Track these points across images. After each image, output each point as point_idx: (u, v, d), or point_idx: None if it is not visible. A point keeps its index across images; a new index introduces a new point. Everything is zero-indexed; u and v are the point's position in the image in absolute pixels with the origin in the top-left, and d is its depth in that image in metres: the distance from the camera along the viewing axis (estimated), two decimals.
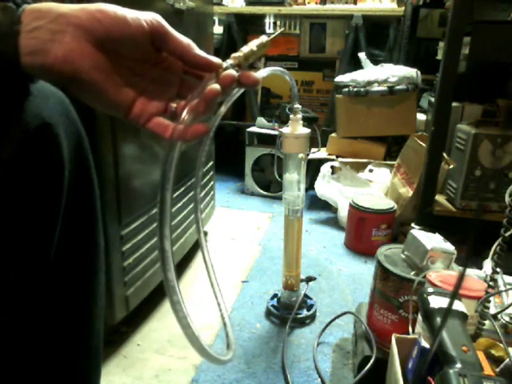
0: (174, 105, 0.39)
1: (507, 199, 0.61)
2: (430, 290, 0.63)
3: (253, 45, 0.41)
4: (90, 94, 0.36)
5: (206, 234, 1.64)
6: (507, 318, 0.68)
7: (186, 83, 0.40)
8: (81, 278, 0.48)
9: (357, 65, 2.00)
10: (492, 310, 0.68)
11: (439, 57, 1.65)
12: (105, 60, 0.35)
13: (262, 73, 0.63)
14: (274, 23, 2.53)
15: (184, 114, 0.36)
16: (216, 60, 0.38)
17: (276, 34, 0.45)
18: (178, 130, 0.36)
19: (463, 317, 0.59)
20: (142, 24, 0.35)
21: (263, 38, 0.41)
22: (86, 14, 0.34)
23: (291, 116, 0.98)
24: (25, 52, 0.33)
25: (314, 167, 2.04)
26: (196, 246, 1.39)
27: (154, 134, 0.38)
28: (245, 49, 0.40)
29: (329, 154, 1.97)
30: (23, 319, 0.43)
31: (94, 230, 0.49)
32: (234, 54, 0.39)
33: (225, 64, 0.38)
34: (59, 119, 0.41)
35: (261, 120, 2.07)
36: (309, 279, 1.18)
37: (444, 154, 1.31)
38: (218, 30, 2.34)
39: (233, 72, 0.38)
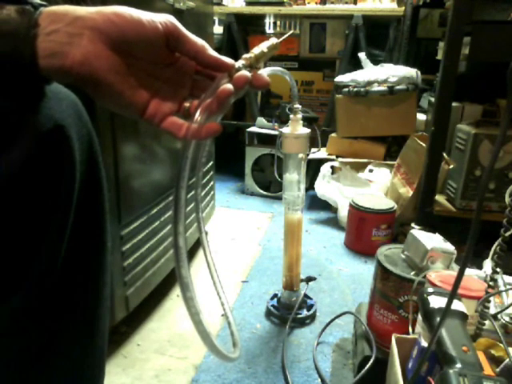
0: (187, 104, 0.40)
1: (507, 199, 0.61)
2: (430, 289, 0.63)
3: (263, 46, 0.41)
4: (105, 95, 0.36)
5: (206, 233, 1.64)
6: (507, 318, 0.68)
7: (197, 83, 0.41)
8: (87, 278, 0.48)
9: (357, 65, 2.00)
10: (492, 310, 0.68)
11: (439, 57, 1.65)
12: (120, 62, 0.35)
13: (261, 73, 0.63)
14: (274, 23, 2.53)
15: (198, 113, 0.37)
16: (229, 61, 0.39)
17: (286, 36, 0.46)
18: (192, 129, 0.37)
19: (463, 317, 0.59)
20: (157, 26, 0.35)
21: (273, 40, 0.42)
22: (102, 16, 0.34)
23: (291, 116, 0.98)
24: (42, 55, 0.33)
25: (313, 167, 2.04)
26: (196, 246, 1.39)
27: (164, 133, 0.39)
28: (256, 50, 0.41)
29: (329, 154, 1.97)
30: (28, 318, 0.43)
31: (102, 231, 0.49)
32: (245, 55, 0.40)
33: (237, 64, 0.39)
34: (72, 121, 0.41)
35: (261, 120, 2.07)
36: (309, 279, 1.18)
37: (444, 154, 1.31)
38: (218, 30, 2.35)
39: (247, 73, 0.38)
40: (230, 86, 0.37)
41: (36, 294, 0.42)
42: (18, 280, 0.40)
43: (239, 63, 0.39)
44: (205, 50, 0.38)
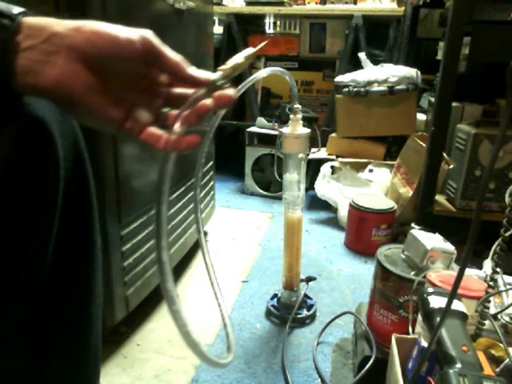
0: (163, 114, 0.40)
1: (507, 199, 0.61)
2: (430, 289, 0.63)
3: (240, 57, 0.42)
4: (82, 113, 0.36)
5: (206, 234, 1.64)
6: (507, 318, 0.68)
7: (172, 92, 0.41)
8: (77, 276, 0.48)
9: (357, 65, 2.00)
10: (492, 310, 0.68)
11: (439, 57, 1.65)
12: (96, 81, 0.35)
13: (261, 73, 0.63)
14: (274, 23, 2.53)
15: (177, 125, 0.37)
16: (206, 76, 0.38)
17: (260, 46, 0.47)
18: (171, 141, 0.36)
19: (463, 317, 0.59)
20: (134, 44, 0.35)
21: (249, 50, 0.43)
22: (80, 34, 0.34)
23: (291, 116, 0.98)
24: (16, 71, 0.32)
25: (313, 167, 2.04)
26: (196, 246, 1.39)
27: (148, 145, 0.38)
28: (232, 61, 0.41)
29: (329, 154, 1.97)
30: (20, 318, 0.43)
31: (91, 229, 0.49)
32: (221, 67, 0.40)
33: (214, 76, 0.39)
34: (53, 118, 0.41)
35: (261, 120, 2.07)
36: (309, 279, 1.18)
37: (444, 154, 1.31)
38: (218, 30, 2.34)
39: (231, 92, 0.38)
40: (209, 103, 0.37)
41: (30, 295, 0.42)
42: (10, 280, 0.40)
43: (216, 75, 0.39)
44: (182, 69, 0.38)
